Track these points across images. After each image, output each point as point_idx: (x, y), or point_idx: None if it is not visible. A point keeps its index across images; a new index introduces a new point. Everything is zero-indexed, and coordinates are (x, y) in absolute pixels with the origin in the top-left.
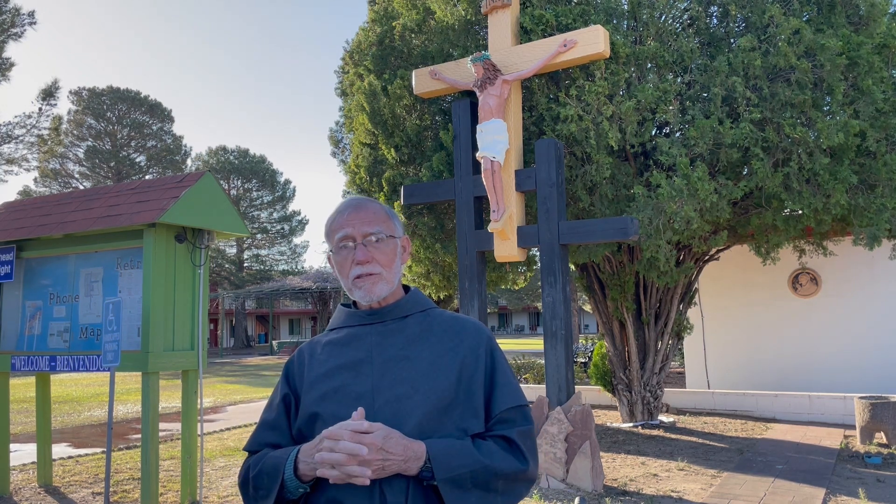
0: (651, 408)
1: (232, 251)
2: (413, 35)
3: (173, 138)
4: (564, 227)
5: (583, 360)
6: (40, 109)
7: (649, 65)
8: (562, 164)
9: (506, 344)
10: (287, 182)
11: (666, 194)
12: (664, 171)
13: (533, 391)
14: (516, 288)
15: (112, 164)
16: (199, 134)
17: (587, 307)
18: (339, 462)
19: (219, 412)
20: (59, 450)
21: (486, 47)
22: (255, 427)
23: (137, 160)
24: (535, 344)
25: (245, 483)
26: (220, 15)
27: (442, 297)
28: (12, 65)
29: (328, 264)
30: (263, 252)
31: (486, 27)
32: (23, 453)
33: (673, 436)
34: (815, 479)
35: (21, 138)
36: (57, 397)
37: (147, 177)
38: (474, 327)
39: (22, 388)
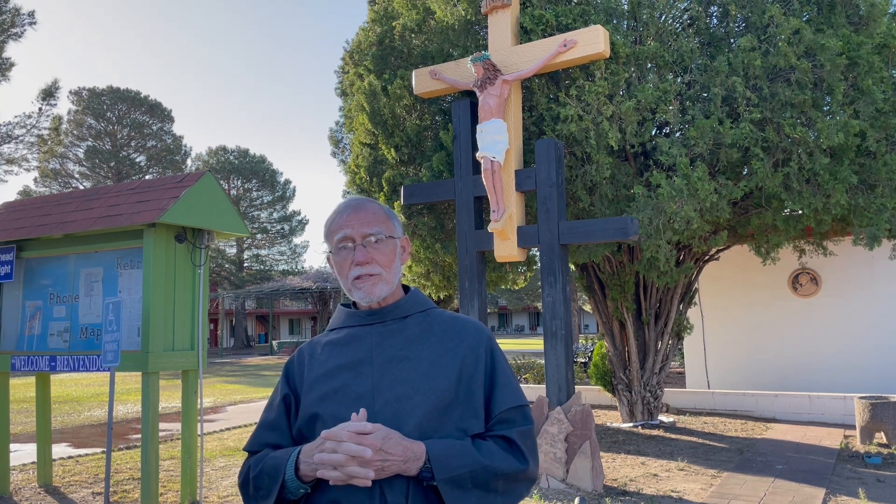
0: (651, 408)
1: (232, 251)
2: (413, 35)
3: (173, 138)
4: (564, 227)
5: (583, 360)
6: (40, 109)
7: (649, 65)
8: (562, 164)
9: (506, 344)
10: (287, 182)
11: (666, 194)
12: (664, 171)
13: (533, 391)
14: (516, 288)
15: (112, 164)
16: (199, 134)
17: (587, 307)
18: (340, 463)
19: (219, 412)
20: (59, 450)
21: (486, 47)
22: (255, 427)
23: (137, 160)
24: (535, 344)
25: (245, 483)
26: (220, 15)
27: (442, 297)
28: (12, 65)
29: (328, 264)
30: (263, 252)
31: (486, 27)
32: (23, 453)
33: (673, 436)
34: (815, 479)
35: (21, 138)
36: (57, 397)
37: (147, 177)
38: (474, 327)
39: (22, 388)
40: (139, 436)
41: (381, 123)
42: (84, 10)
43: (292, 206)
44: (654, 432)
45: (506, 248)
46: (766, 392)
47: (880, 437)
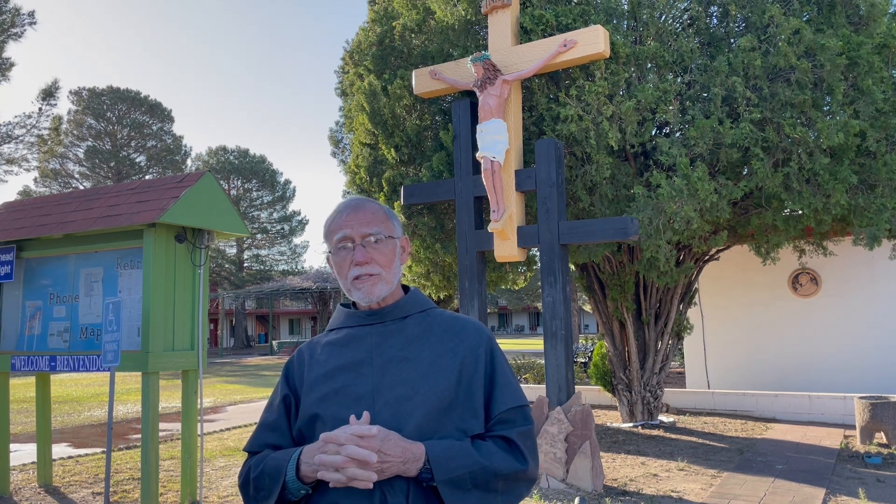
0: (651, 408)
1: (232, 251)
2: (413, 35)
3: (173, 138)
4: (564, 227)
5: (583, 360)
6: (40, 109)
7: (649, 65)
8: (562, 164)
9: (506, 344)
10: (287, 182)
11: (666, 194)
12: (664, 171)
13: (533, 391)
14: (516, 288)
15: (112, 164)
16: (199, 134)
17: (587, 307)
18: (341, 465)
19: (219, 412)
20: (59, 450)
21: (486, 47)
22: (255, 428)
23: (137, 160)
24: (535, 344)
25: (246, 484)
26: (220, 15)
27: (442, 297)
28: (12, 65)
29: (328, 265)
30: (263, 252)
31: (486, 27)
32: (23, 453)
33: (673, 436)
34: (815, 479)
35: (21, 138)
36: (57, 397)
37: (147, 177)
38: (474, 327)
39: (22, 388)
40: (139, 436)
41: (381, 123)
42: (84, 10)
43: (292, 206)
44: (654, 432)
45: (506, 248)
46: (766, 392)
47: (880, 437)
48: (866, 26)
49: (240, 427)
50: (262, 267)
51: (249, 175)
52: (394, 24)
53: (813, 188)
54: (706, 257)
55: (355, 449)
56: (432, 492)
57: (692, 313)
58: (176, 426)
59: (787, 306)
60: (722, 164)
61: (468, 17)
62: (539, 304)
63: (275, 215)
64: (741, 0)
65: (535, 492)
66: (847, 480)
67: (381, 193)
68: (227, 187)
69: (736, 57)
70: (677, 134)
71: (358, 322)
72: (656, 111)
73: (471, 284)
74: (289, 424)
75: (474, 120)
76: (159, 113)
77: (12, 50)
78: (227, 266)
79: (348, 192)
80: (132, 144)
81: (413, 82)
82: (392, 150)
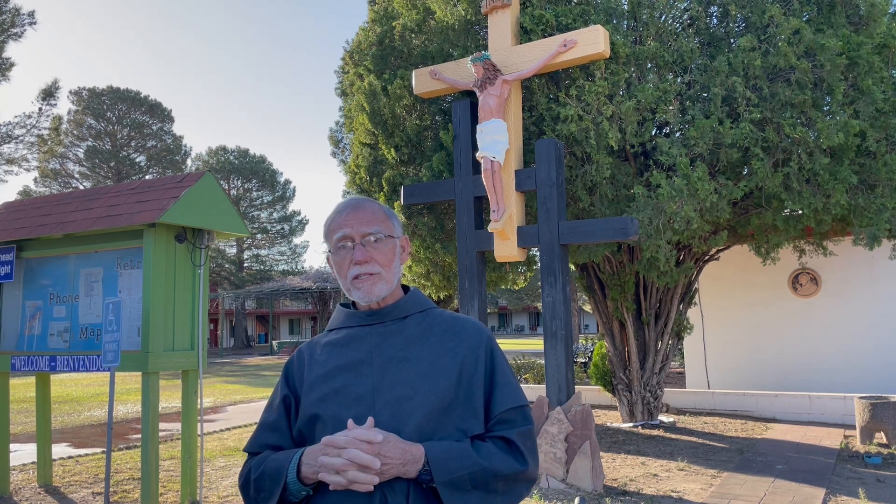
0: (651, 408)
1: (232, 251)
2: (413, 35)
3: (173, 138)
4: (564, 227)
5: (583, 360)
6: (40, 109)
7: (649, 65)
8: (562, 164)
9: (506, 344)
10: (287, 182)
11: (666, 194)
12: (664, 171)
13: (533, 391)
14: (516, 288)
15: (112, 164)
16: (199, 134)
17: (587, 307)
18: (341, 468)
19: (219, 412)
20: (59, 450)
21: (486, 47)
22: (255, 428)
23: (137, 160)
24: (535, 344)
25: (246, 485)
26: (220, 15)
27: (442, 297)
28: (12, 65)
29: (328, 264)
30: (263, 252)
31: (486, 27)
32: (23, 453)
33: (673, 436)
34: (815, 479)
35: (21, 138)
36: (57, 397)
37: (147, 177)
38: (474, 327)
39: (22, 388)
40: (139, 436)
41: (381, 123)
42: (84, 10)
43: (292, 206)
44: (654, 432)
45: (506, 248)
46: (766, 392)
47: (880, 437)
48: (866, 26)
49: (240, 427)
50: (262, 267)
51: (249, 175)
52: (394, 24)
53: (813, 188)
54: (706, 257)
55: (357, 453)
56: (432, 493)
57: (692, 313)
58: (176, 426)
59: (787, 306)
60: (722, 164)
61: (468, 17)
62: (539, 304)
63: (275, 215)
64: (741, 0)
65: (535, 492)
66: (847, 480)
67: (381, 193)
68: (227, 187)
69: (736, 57)
70: (677, 134)
71: (358, 322)
72: (656, 111)
73: (471, 284)
74: (289, 425)
75: (474, 120)
76: (159, 113)
77: (12, 50)
78: (227, 266)
79: (348, 192)
80: (132, 144)
81: (413, 82)
82: (392, 150)
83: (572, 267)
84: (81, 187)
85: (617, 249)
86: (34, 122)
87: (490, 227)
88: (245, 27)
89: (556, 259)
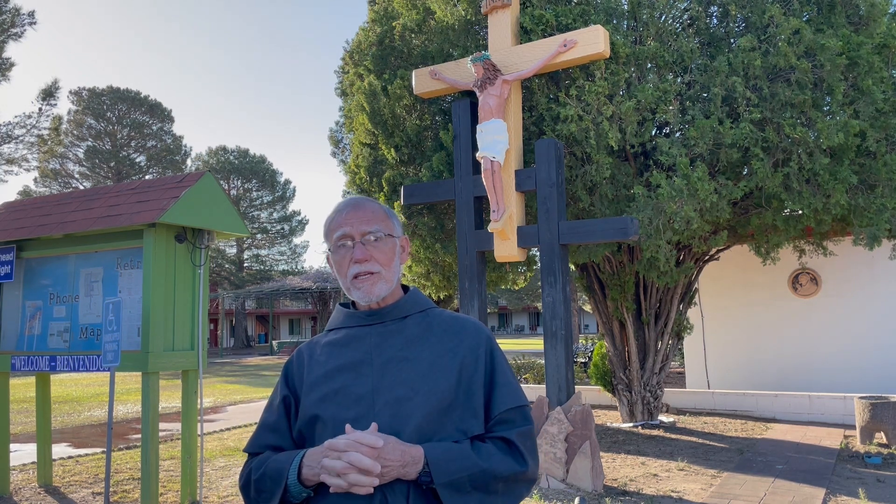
0: (651, 408)
1: (232, 251)
2: (413, 35)
3: (173, 138)
4: (564, 227)
5: (583, 360)
6: (40, 109)
7: (649, 65)
8: (562, 164)
9: (506, 344)
10: (287, 182)
11: (666, 194)
12: (664, 171)
13: (533, 391)
14: (516, 288)
15: (112, 164)
16: (199, 134)
17: (587, 307)
18: (342, 471)
19: (219, 412)
20: (59, 450)
21: (486, 47)
22: (255, 428)
23: (137, 160)
24: (535, 344)
25: (246, 486)
26: (220, 15)
27: (442, 297)
28: (12, 65)
29: (328, 264)
30: (263, 252)
31: (486, 27)
32: (23, 453)
33: (673, 436)
34: (815, 479)
35: (21, 138)
36: (57, 397)
37: (147, 177)
38: (474, 327)
39: (22, 388)
40: (139, 436)
41: (381, 123)
42: (84, 10)
43: (292, 206)
44: (654, 432)
45: (506, 248)
46: (766, 392)
47: (880, 437)
48: (866, 26)
49: (240, 427)
50: (262, 267)
51: (249, 175)
52: (394, 24)
53: (813, 188)
54: (706, 257)
55: (358, 456)
56: (432, 494)
57: (692, 313)
58: (176, 426)
59: (787, 306)
60: (722, 164)
61: (468, 17)
62: (539, 304)
63: (275, 215)
64: (741, 0)
65: (536, 492)
66: (847, 480)
67: (381, 193)
68: (227, 187)
69: (736, 57)
70: (677, 134)
71: (357, 322)
72: (656, 111)
73: (471, 284)
74: (289, 425)
75: (474, 120)
76: (159, 113)
77: (12, 50)
78: (227, 266)
79: (348, 192)
80: (132, 144)
81: (413, 82)
82: (392, 150)
83: (572, 267)
84: (81, 187)
85: (617, 249)
86: (34, 122)
87: (490, 227)
88: (245, 27)
89: (556, 259)
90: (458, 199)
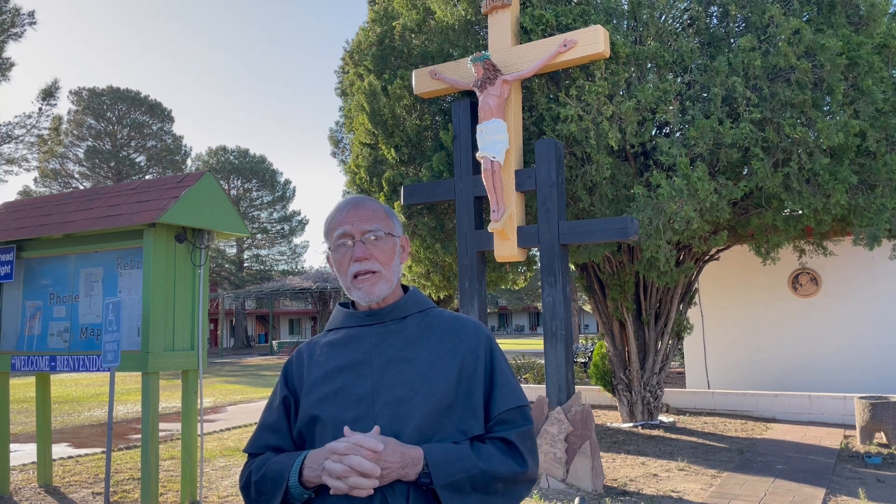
0: (651, 408)
1: (232, 251)
2: (413, 35)
3: (173, 138)
4: (564, 227)
5: (583, 360)
6: (40, 109)
7: (649, 65)
8: (562, 164)
9: (506, 344)
10: (287, 182)
11: (666, 194)
12: (664, 171)
13: (533, 391)
14: (516, 288)
15: (112, 164)
16: (199, 134)
17: (587, 307)
18: (342, 474)
19: (219, 412)
20: (59, 450)
21: (486, 47)
22: (255, 429)
23: (137, 160)
24: (535, 344)
25: (247, 487)
26: (220, 15)
27: (442, 297)
28: (12, 65)
29: (328, 264)
30: (263, 252)
31: (486, 27)
32: (23, 453)
33: (673, 436)
34: (815, 479)
35: (21, 138)
36: (57, 397)
37: (147, 177)
38: (474, 327)
39: (22, 388)
40: (139, 436)
41: (381, 123)
42: (84, 10)
43: (292, 206)
44: (654, 432)
45: (506, 248)
46: (766, 392)
47: (880, 437)
48: (866, 26)
49: (240, 427)
50: (262, 267)
51: (249, 175)
52: (394, 24)
53: (813, 188)
54: (706, 257)
55: (359, 460)
56: (432, 495)
57: (692, 313)
58: (176, 426)
59: (787, 306)
60: (722, 164)
61: (468, 17)
62: (539, 304)
63: (275, 215)
64: (741, 0)
65: (536, 492)
66: (847, 480)
67: (381, 193)
68: (227, 187)
69: (736, 57)
70: (677, 134)
71: (357, 322)
72: (656, 111)
73: (471, 284)
74: (289, 426)
75: (474, 120)
76: (159, 113)
77: (12, 50)
78: (227, 266)
79: (348, 192)
80: (132, 144)
81: (413, 82)
82: (392, 150)
83: (572, 267)
84: (81, 187)
85: (617, 249)
86: (34, 122)
87: (490, 227)
88: (245, 27)
89: (556, 259)
90: (458, 199)
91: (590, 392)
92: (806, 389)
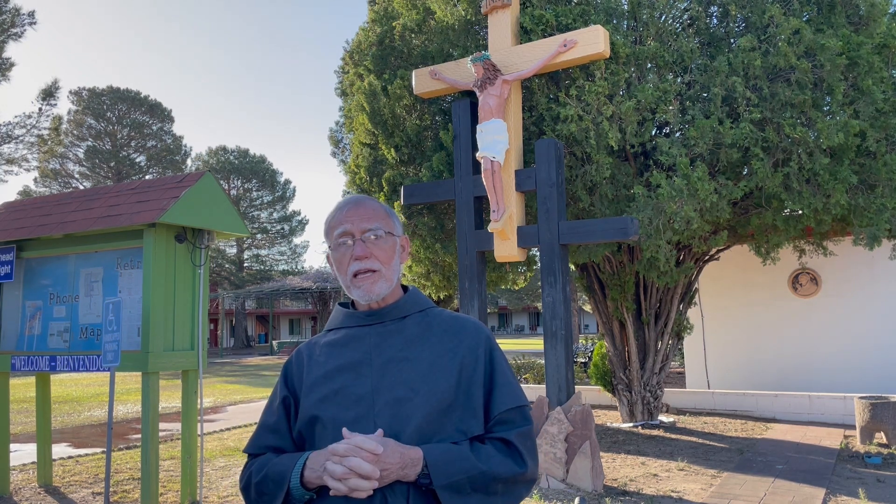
0: (651, 408)
1: (232, 251)
2: (413, 35)
3: (173, 138)
4: (564, 227)
5: (583, 360)
6: (40, 109)
7: (649, 65)
8: (562, 164)
9: (506, 344)
10: (287, 182)
11: (666, 194)
12: (664, 171)
13: (533, 391)
14: (516, 288)
15: (112, 164)
16: (199, 134)
17: (587, 307)
18: (342, 476)
19: (219, 412)
20: (59, 450)
21: (486, 47)
22: (255, 429)
23: (137, 160)
24: (535, 344)
25: (247, 488)
26: (220, 15)
27: (442, 297)
28: (12, 65)
29: (328, 264)
30: (263, 252)
31: (486, 27)
32: (23, 453)
33: (673, 436)
34: (815, 479)
35: (21, 138)
36: (57, 397)
37: (147, 177)
38: (473, 327)
39: (22, 388)
40: (139, 436)
41: (381, 123)
42: (84, 10)
43: (292, 206)
44: (654, 432)
45: (506, 248)
46: (766, 392)
47: (880, 437)
48: (866, 26)
49: (240, 427)
50: (262, 267)
51: (249, 175)
52: (394, 24)
53: (813, 188)
54: (706, 257)
55: (359, 461)
56: (432, 495)
57: (692, 313)
58: (176, 426)
59: (787, 306)
60: (722, 164)
61: (468, 17)
62: (539, 304)
63: (275, 215)
64: (741, 0)
65: (535, 492)
66: (847, 480)
67: (381, 193)
68: (227, 187)
69: (736, 57)
70: (677, 134)
71: (357, 322)
72: (656, 111)
73: (471, 284)
74: (289, 426)
75: (474, 120)
76: (159, 113)
77: (12, 50)
78: (227, 266)
79: (348, 192)
80: (132, 144)
81: (413, 82)
82: (392, 150)
83: (572, 267)
84: (81, 187)
85: (617, 249)
86: (34, 122)
87: (490, 227)
88: (245, 27)
89: (556, 259)
90: (458, 199)
91: (590, 392)
92: (806, 389)
